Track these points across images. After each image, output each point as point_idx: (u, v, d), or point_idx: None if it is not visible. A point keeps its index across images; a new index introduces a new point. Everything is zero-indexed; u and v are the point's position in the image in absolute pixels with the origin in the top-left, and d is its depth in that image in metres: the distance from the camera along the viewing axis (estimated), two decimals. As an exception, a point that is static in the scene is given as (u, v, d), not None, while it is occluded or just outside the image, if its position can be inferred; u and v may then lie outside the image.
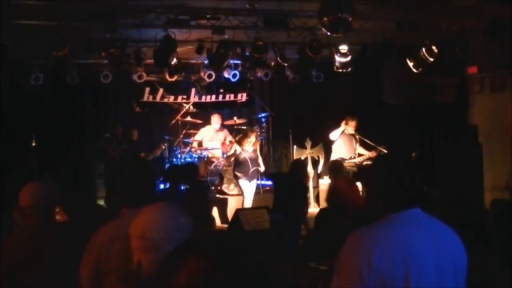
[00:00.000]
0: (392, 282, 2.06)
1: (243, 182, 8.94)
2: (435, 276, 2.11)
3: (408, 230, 2.16)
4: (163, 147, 10.08)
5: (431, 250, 2.13)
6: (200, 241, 1.29)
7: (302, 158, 10.76)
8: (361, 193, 9.50)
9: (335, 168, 8.23)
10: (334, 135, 9.67)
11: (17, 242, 3.37)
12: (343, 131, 9.65)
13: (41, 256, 3.23)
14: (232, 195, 9.60)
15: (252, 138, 8.85)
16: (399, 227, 2.17)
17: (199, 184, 7.73)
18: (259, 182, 9.35)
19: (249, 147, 8.91)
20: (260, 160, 9.15)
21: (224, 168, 9.70)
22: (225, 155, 9.80)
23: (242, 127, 10.18)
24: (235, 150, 8.91)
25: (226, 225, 8.76)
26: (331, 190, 7.87)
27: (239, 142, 8.94)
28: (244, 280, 1.19)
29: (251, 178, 8.92)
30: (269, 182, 9.95)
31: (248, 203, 8.85)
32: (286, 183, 7.53)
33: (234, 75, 9.88)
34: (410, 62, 8.82)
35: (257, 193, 9.26)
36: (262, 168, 9.24)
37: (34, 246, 3.27)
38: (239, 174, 8.92)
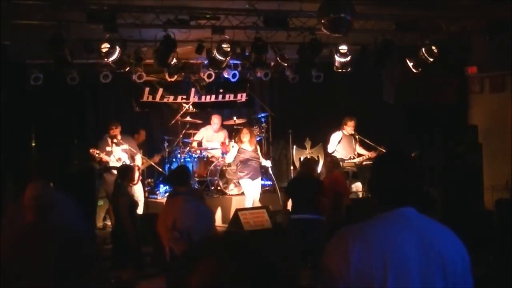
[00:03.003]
0: (370, 281, 2.05)
1: (245, 181, 8.94)
2: (419, 276, 2.08)
3: (392, 229, 2.14)
4: (161, 153, 10.07)
5: (417, 250, 2.10)
6: (212, 243, 1.29)
7: (302, 158, 10.78)
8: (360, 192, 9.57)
9: (333, 164, 8.19)
10: (331, 147, 9.70)
11: (14, 238, 3.41)
12: (341, 137, 9.67)
13: (35, 254, 3.26)
14: (232, 195, 9.60)
15: (246, 135, 8.87)
16: (384, 225, 2.16)
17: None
18: (263, 182, 9.36)
19: (248, 146, 8.93)
20: (262, 159, 9.16)
21: (224, 168, 9.70)
22: (225, 155, 9.80)
23: (240, 127, 10.18)
24: (236, 150, 8.92)
25: (225, 225, 8.77)
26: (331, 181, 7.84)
27: (236, 141, 9.02)
28: (257, 282, 1.19)
29: (254, 176, 8.92)
30: (269, 182, 9.95)
31: (249, 203, 8.84)
32: (299, 183, 7.39)
33: (234, 75, 9.88)
34: (410, 62, 8.82)
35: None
36: (268, 164, 9.24)
37: (29, 244, 3.30)
38: (241, 174, 8.92)
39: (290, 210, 7.24)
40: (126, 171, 7.10)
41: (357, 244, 2.08)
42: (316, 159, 10.68)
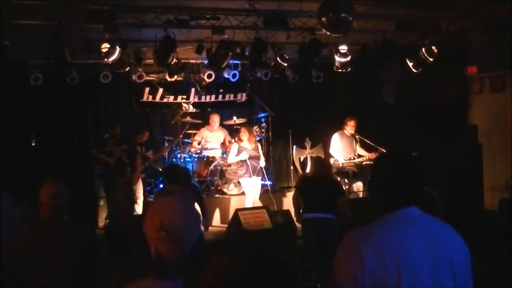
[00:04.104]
0: (385, 282, 2.05)
1: (245, 180, 8.93)
2: (430, 276, 2.09)
3: (402, 230, 2.14)
4: (168, 146, 10.11)
5: (426, 250, 2.11)
6: (224, 242, 1.34)
7: (302, 158, 10.78)
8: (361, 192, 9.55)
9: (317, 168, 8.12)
10: (332, 149, 9.70)
11: (28, 233, 3.49)
12: (342, 135, 9.67)
13: (49, 250, 3.33)
14: (232, 195, 9.60)
15: (245, 133, 8.87)
16: (393, 226, 2.16)
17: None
18: (263, 182, 9.33)
19: (247, 144, 8.93)
20: (262, 158, 9.15)
21: (224, 168, 9.70)
22: (225, 155, 9.81)
23: (239, 127, 10.18)
24: (236, 148, 8.93)
25: (225, 225, 8.77)
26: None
27: (236, 140, 9.04)
28: (267, 277, 1.23)
29: (254, 175, 8.91)
30: (269, 182, 9.94)
31: (249, 203, 8.84)
32: (314, 182, 7.26)
33: (234, 75, 9.88)
34: (410, 62, 8.82)
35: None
36: (262, 163, 9.20)
37: (44, 241, 3.38)
38: (241, 172, 8.92)
39: (302, 209, 7.15)
40: (120, 169, 7.09)
41: (369, 247, 2.08)
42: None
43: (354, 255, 2.08)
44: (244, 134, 8.93)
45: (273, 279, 1.24)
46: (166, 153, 10.14)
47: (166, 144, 10.18)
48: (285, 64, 9.22)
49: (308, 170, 10.36)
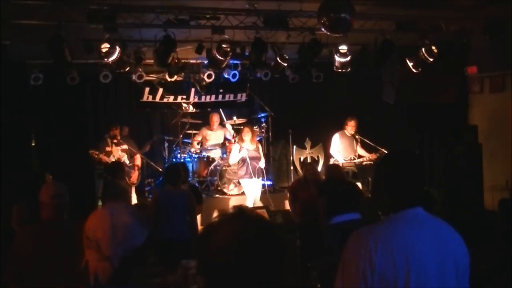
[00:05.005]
0: (394, 281, 2.06)
1: (246, 181, 8.92)
2: (436, 276, 2.10)
3: (410, 230, 2.15)
4: (149, 143, 10.15)
5: (433, 250, 2.12)
6: (225, 215, 1.44)
7: (302, 158, 10.77)
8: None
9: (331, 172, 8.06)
10: (333, 150, 9.69)
11: (30, 233, 3.51)
12: (342, 135, 9.67)
13: (51, 249, 3.34)
14: (232, 195, 9.60)
15: (248, 134, 8.85)
16: (401, 226, 2.16)
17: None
18: (264, 182, 9.33)
19: (249, 145, 8.91)
20: (262, 159, 9.14)
21: (224, 168, 9.70)
22: (225, 155, 9.81)
23: (241, 127, 10.18)
24: (237, 149, 8.91)
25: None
26: None
27: (237, 140, 9.02)
28: (271, 247, 1.35)
29: (255, 176, 8.89)
30: (269, 182, 9.93)
31: (250, 203, 8.83)
32: (335, 185, 7.11)
33: (234, 75, 9.88)
34: (410, 62, 8.81)
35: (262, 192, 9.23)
36: (262, 164, 9.17)
37: (45, 239, 3.40)
38: (241, 173, 8.91)
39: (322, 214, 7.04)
40: (115, 169, 7.03)
41: (379, 246, 2.08)
42: (316, 159, 10.70)
43: (363, 253, 2.08)
44: (247, 134, 8.89)
45: (274, 246, 1.36)
46: (166, 153, 10.12)
47: (166, 145, 10.18)
48: (285, 64, 9.21)
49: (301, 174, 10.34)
